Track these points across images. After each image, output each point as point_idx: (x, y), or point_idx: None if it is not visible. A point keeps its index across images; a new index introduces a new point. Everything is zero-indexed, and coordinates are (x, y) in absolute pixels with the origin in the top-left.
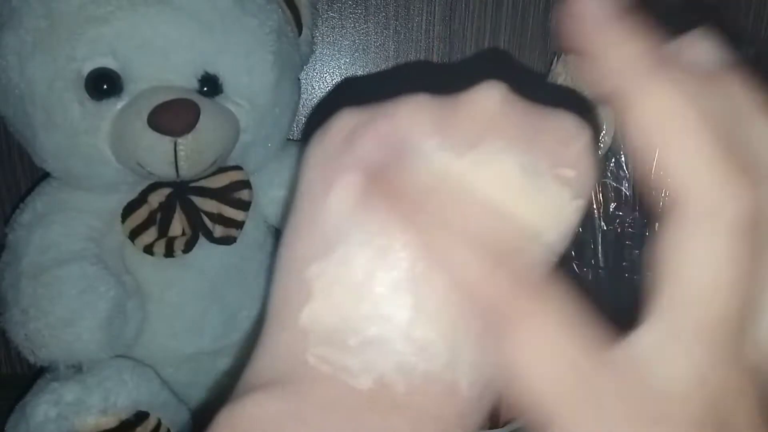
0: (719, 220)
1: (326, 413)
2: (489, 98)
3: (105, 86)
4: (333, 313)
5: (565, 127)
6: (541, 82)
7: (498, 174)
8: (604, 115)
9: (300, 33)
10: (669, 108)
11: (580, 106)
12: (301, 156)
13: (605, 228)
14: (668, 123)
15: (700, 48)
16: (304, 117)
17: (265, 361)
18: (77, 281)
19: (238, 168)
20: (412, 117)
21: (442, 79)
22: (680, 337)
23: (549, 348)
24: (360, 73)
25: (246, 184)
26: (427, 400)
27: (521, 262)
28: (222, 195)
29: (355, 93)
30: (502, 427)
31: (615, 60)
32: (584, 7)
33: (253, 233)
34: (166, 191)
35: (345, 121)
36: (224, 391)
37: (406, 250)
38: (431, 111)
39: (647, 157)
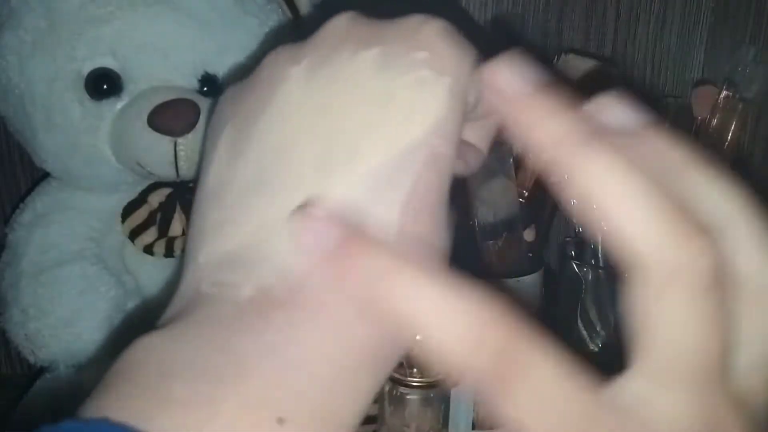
0: (684, 281)
1: (207, 326)
2: (339, 20)
3: (105, 86)
4: (222, 245)
5: (413, 20)
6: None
7: (356, 73)
8: None
9: None
10: (612, 174)
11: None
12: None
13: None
14: (614, 189)
15: (616, 109)
16: None
17: (171, 305)
18: (77, 281)
19: None
20: (274, 56)
21: None
22: (664, 384)
23: (548, 399)
24: None
25: None
26: (306, 299)
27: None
28: None
29: None
30: None
31: (547, 134)
32: (503, 83)
33: None
34: (166, 191)
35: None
36: None
37: (287, 179)
38: (290, 47)
39: (598, 223)
